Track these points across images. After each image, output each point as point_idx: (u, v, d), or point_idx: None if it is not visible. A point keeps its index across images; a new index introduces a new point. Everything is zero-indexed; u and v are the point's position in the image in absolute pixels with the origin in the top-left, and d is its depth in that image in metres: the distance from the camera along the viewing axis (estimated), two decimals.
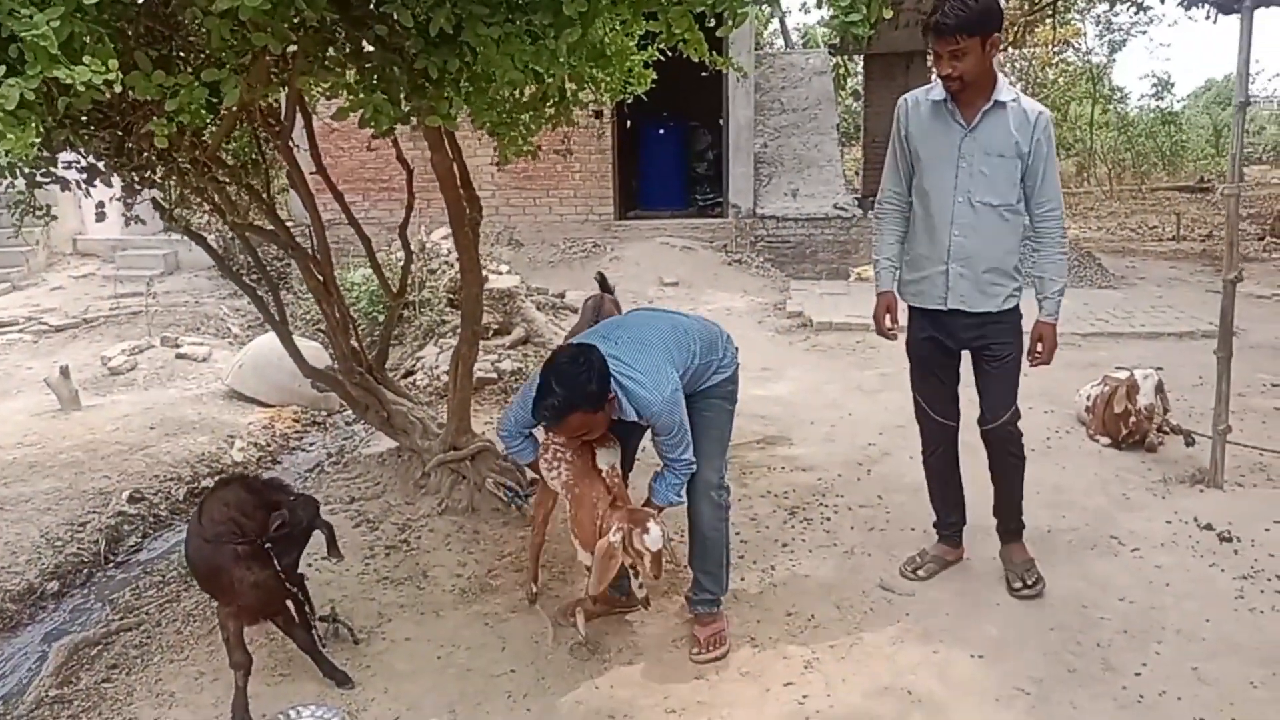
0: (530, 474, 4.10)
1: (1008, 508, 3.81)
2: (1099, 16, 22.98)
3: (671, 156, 13.19)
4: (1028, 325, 3.60)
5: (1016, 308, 3.60)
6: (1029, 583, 3.68)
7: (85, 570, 4.70)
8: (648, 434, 3.47)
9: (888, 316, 3.75)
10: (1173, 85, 22.71)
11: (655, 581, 3.21)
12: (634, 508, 3.21)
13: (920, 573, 3.88)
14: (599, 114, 10.96)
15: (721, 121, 12.02)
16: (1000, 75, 3.43)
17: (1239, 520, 4.24)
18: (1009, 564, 3.79)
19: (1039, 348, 3.56)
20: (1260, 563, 3.89)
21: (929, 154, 3.52)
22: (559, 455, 3.35)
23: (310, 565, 4.05)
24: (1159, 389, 5.21)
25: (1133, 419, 5.15)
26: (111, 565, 4.79)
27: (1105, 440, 5.32)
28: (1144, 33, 26.82)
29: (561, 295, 9.55)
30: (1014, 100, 3.41)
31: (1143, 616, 3.53)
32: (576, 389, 2.99)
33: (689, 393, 3.28)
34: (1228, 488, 4.65)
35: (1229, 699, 3.05)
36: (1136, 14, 20.42)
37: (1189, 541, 4.12)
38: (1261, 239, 13.35)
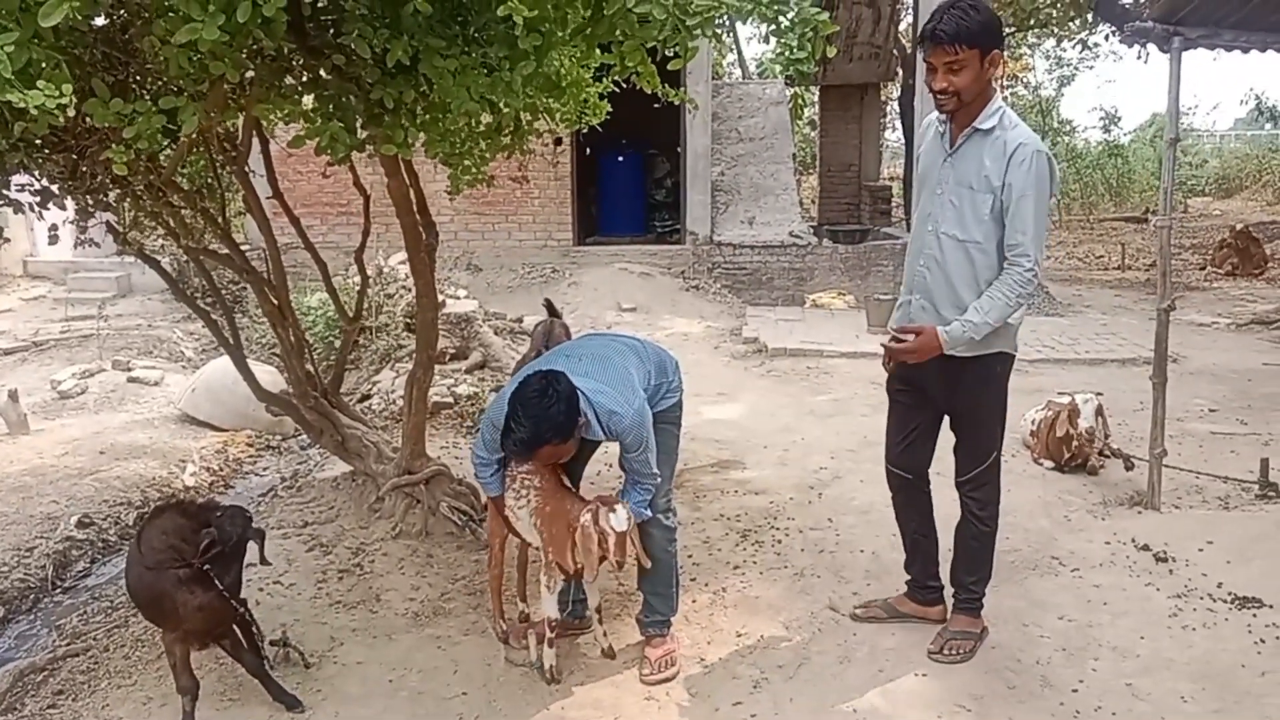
0: (484, 499, 4.10)
1: (958, 577, 3.57)
2: (1048, 52, 23.68)
3: (630, 184, 13.34)
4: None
5: (990, 358, 3.27)
6: (945, 651, 3.46)
7: (32, 596, 4.64)
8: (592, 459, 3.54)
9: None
10: (1119, 119, 23.32)
11: (618, 569, 3.25)
12: (603, 494, 3.27)
13: (858, 611, 3.80)
14: (558, 141, 11.07)
15: (679, 150, 12.18)
16: (996, 100, 3.16)
17: (1175, 541, 4.37)
18: (944, 628, 3.56)
19: (909, 338, 3.24)
20: (1194, 582, 4.02)
21: (921, 177, 3.41)
22: (526, 484, 3.37)
23: (262, 589, 4.06)
24: (1099, 413, 5.37)
25: (1075, 443, 5.30)
26: (59, 591, 4.74)
27: (1048, 463, 5.45)
28: (1090, 67, 27.53)
29: (519, 320, 9.58)
30: (999, 128, 3.12)
31: (1080, 634, 3.64)
32: (545, 421, 3.00)
33: None
34: (1165, 509, 4.79)
35: (1161, 713, 3.15)
36: (1083, 51, 21.06)
37: (1127, 562, 4.24)
38: (1203, 269, 13.74)
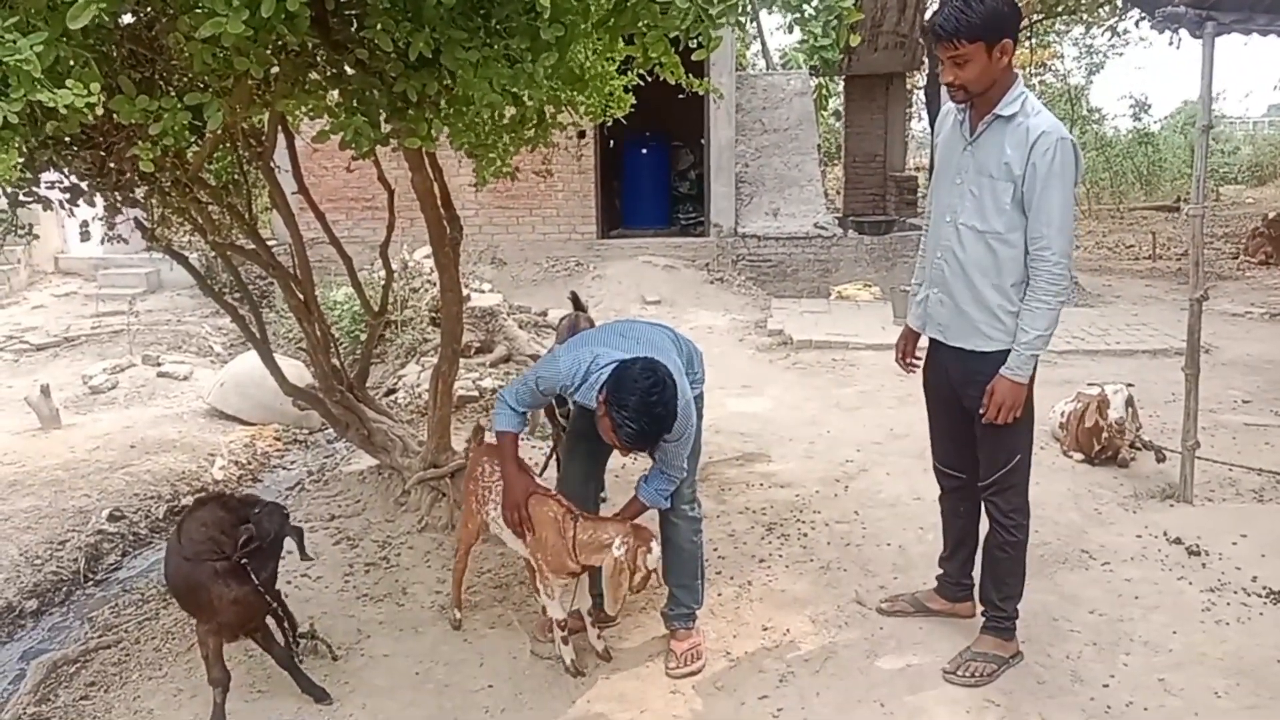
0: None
1: (986, 594, 3.41)
2: (1076, 39, 23.38)
3: (654, 176, 13.30)
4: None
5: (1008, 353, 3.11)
6: (959, 672, 3.30)
7: (64, 588, 4.70)
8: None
9: (902, 350, 3.56)
10: (1150, 106, 22.95)
11: (630, 597, 3.22)
12: (637, 524, 3.22)
13: (884, 605, 3.77)
14: (582, 134, 11.06)
15: (703, 141, 12.13)
16: (1018, 86, 3.02)
17: (1207, 534, 4.32)
18: (967, 648, 3.40)
19: (986, 402, 3.09)
20: (1227, 575, 3.97)
21: (939, 166, 3.30)
22: (492, 486, 3.43)
23: (290, 583, 4.09)
24: (1129, 403, 5.29)
25: (1105, 434, 5.23)
26: (91, 583, 4.79)
27: (1078, 456, 5.39)
28: (1120, 54, 27.15)
29: (544, 313, 9.60)
30: (1021, 115, 2.99)
31: (1111, 629, 3.60)
32: (665, 418, 2.97)
33: None
34: (1197, 502, 4.73)
35: (1194, 709, 3.11)
36: (1113, 38, 20.78)
37: (1158, 555, 4.19)
38: (1236, 257, 13.54)
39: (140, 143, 2.70)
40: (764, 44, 18.94)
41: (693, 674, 3.38)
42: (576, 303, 5.63)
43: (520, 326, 8.57)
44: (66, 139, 3.36)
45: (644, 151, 12.97)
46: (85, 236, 4.16)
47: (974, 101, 3.07)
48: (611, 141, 12.15)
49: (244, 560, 3.07)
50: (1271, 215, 13.93)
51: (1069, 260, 3.03)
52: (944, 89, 3.17)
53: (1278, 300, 10.38)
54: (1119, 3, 16.36)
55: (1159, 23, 4.60)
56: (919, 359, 3.56)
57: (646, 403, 2.91)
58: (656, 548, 3.13)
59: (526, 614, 3.81)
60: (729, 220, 11.83)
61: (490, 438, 3.57)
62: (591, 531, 3.19)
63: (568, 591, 3.43)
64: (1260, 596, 3.79)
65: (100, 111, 2.40)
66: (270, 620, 3.30)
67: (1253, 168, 23.64)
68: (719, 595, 3.92)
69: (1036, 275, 3.03)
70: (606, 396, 2.99)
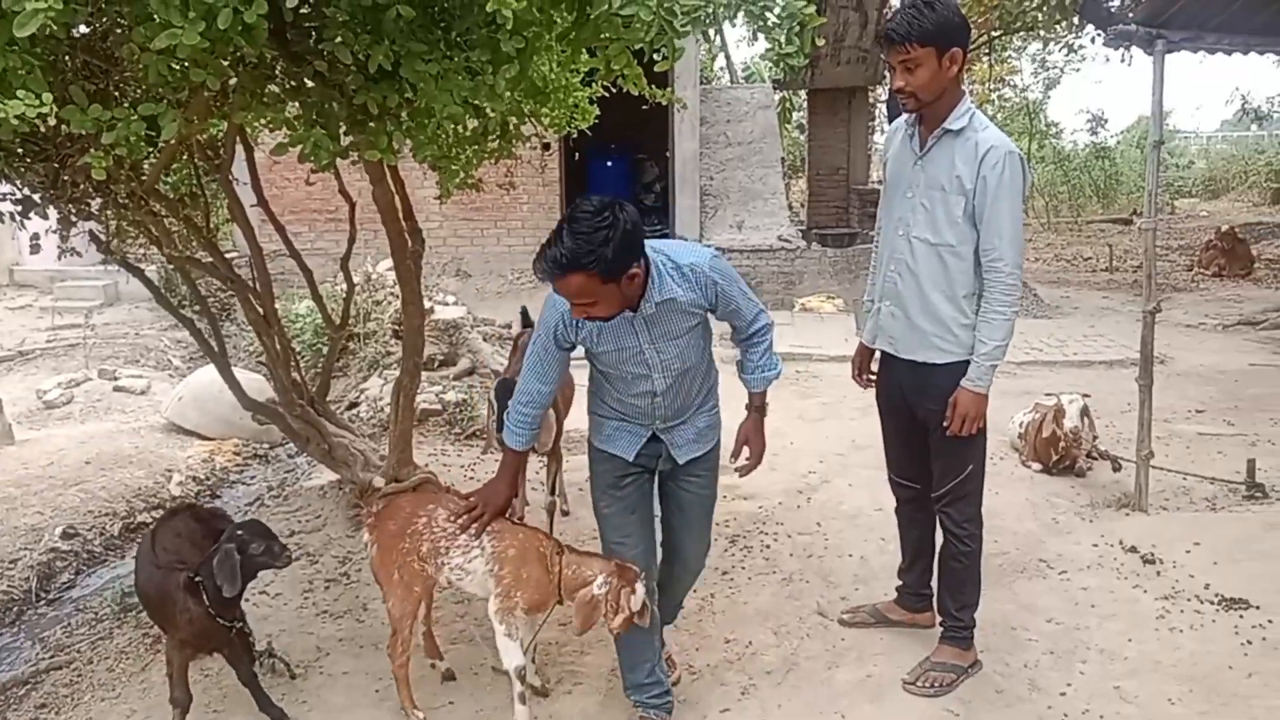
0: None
1: (944, 604, 3.46)
2: (1034, 55, 23.78)
3: (618, 188, 13.35)
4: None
5: (961, 365, 3.16)
6: (919, 682, 3.33)
7: (15, 608, 4.59)
8: None
9: (858, 365, 3.59)
10: (1106, 121, 23.42)
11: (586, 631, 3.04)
12: (622, 564, 2.99)
13: (845, 616, 3.79)
14: (547, 146, 11.06)
15: (668, 154, 12.19)
16: (965, 101, 3.09)
17: (1162, 543, 4.38)
18: (927, 658, 3.42)
19: (949, 414, 3.16)
20: (1181, 583, 4.03)
21: (889, 180, 3.33)
22: (443, 535, 3.13)
23: (248, 599, 3.99)
24: (1085, 413, 5.37)
25: (1061, 444, 5.31)
26: (42, 603, 4.69)
27: (1037, 466, 5.47)
28: (1077, 70, 27.63)
29: (509, 326, 9.55)
30: (969, 129, 3.05)
31: (1068, 637, 3.64)
32: (590, 241, 2.52)
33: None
34: (1152, 511, 4.80)
35: (1149, 716, 3.16)
36: (1069, 54, 21.17)
37: (1114, 564, 4.25)
38: (1190, 270, 13.80)
39: (93, 151, 2.65)
40: (728, 58, 19.08)
41: (676, 682, 3.37)
42: (526, 318, 5.56)
43: (484, 339, 8.54)
44: (19, 150, 3.31)
45: (608, 164, 13.02)
46: (35, 249, 4.09)
47: (923, 115, 3.14)
48: (576, 154, 12.17)
49: (198, 578, 3.03)
50: (1224, 228, 14.22)
51: (1020, 271, 3.10)
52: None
53: (1230, 311, 10.59)
54: (1075, 20, 16.67)
55: (1111, 40, 4.71)
56: (875, 373, 3.59)
57: (575, 224, 2.56)
58: (641, 589, 2.92)
59: (489, 629, 3.76)
60: (693, 233, 11.88)
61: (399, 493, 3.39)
62: (576, 567, 3.01)
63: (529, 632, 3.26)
64: (1213, 604, 3.85)
65: (53, 122, 2.37)
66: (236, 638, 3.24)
67: (1207, 181, 24.14)
68: (681, 608, 3.90)
69: (991, 287, 3.09)
70: None
